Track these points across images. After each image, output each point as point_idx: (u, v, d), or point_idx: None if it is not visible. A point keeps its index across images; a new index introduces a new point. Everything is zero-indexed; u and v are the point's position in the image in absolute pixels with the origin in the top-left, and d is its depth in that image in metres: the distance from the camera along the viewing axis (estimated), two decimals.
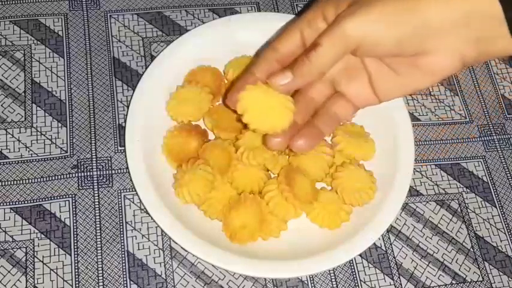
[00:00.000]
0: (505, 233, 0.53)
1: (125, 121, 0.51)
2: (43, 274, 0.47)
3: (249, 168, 0.50)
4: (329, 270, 0.50)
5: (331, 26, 0.40)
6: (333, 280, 0.49)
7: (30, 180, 0.50)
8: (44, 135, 0.52)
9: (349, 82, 0.46)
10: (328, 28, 0.40)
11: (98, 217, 0.49)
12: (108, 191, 0.51)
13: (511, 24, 0.38)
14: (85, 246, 0.48)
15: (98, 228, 0.49)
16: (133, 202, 0.50)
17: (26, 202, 0.49)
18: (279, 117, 0.42)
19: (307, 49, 0.41)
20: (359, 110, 0.48)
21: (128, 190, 0.51)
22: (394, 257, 0.51)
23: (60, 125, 0.53)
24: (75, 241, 0.48)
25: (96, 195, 0.50)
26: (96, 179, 0.51)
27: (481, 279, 0.51)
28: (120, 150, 0.52)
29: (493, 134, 0.58)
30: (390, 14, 0.39)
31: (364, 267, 0.50)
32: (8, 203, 0.49)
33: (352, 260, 0.50)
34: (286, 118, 0.42)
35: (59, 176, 0.50)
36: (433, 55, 0.40)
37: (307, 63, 0.40)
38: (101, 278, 0.47)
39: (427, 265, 0.51)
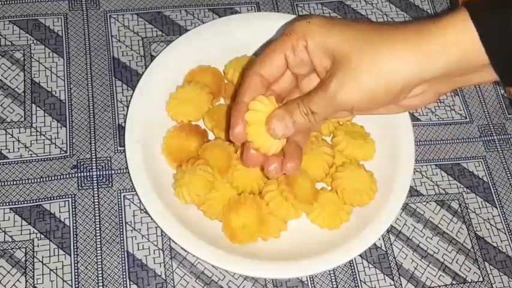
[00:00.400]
0: (505, 233, 0.53)
1: (125, 121, 0.51)
2: (43, 274, 0.47)
3: (249, 168, 0.50)
4: (329, 271, 0.50)
5: (324, 97, 0.41)
6: (333, 280, 0.49)
7: (29, 181, 0.50)
8: (43, 135, 0.52)
9: None
10: (322, 97, 0.41)
11: (98, 217, 0.49)
12: (108, 191, 0.50)
13: (498, 69, 0.39)
14: (85, 247, 0.48)
15: (98, 228, 0.49)
16: (133, 202, 0.50)
17: (25, 202, 0.49)
18: (274, 141, 0.43)
19: (304, 110, 0.42)
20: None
21: (127, 190, 0.51)
22: (395, 257, 0.51)
23: (59, 125, 0.53)
24: (75, 241, 0.48)
25: (96, 195, 0.50)
26: (95, 179, 0.51)
27: (481, 279, 0.51)
28: (120, 150, 0.52)
29: (494, 134, 0.58)
30: (375, 85, 0.40)
31: (364, 267, 0.50)
32: (7, 203, 0.49)
33: (352, 260, 0.50)
34: (280, 144, 0.43)
35: (59, 176, 0.50)
36: (415, 98, 0.43)
37: (307, 121, 0.42)
38: (101, 278, 0.47)
39: (428, 265, 0.51)
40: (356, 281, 0.50)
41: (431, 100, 0.44)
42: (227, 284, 0.48)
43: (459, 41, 0.38)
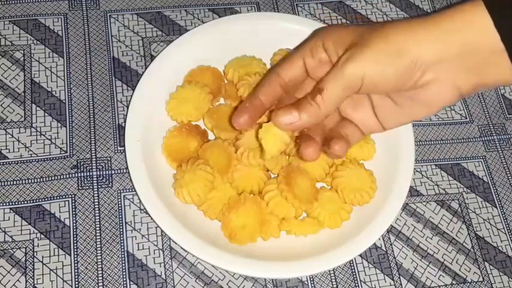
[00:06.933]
0: (505, 233, 0.53)
1: (125, 121, 0.51)
2: (43, 274, 0.47)
3: (249, 168, 0.50)
4: (329, 271, 0.50)
5: (333, 71, 0.41)
6: (333, 280, 0.49)
7: (29, 181, 0.50)
8: (43, 135, 0.52)
9: (355, 110, 0.46)
10: (331, 72, 0.42)
11: (98, 217, 0.49)
12: (108, 191, 0.50)
13: None
14: (85, 247, 0.48)
15: (98, 228, 0.49)
16: (133, 202, 0.50)
17: (25, 202, 0.49)
18: (274, 145, 0.44)
19: (312, 92, 0.42)
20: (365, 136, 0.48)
21: (127, 190, 0.51)
22: (395, 257, 0.51)
23: (59, 125, 0.53)
24: (75, 241, 0.48)
25: (96, 195, 0.50)
26: (95, 179, 0.51)
27: (481, 279, 0.51)
28: (120, 150, 0.52)
29: (494, 134, 0.58)
30: (385, 55, 0.40)
31: (364, 267, 0.50)
32: (7, 203, 0.49)
33: (352, 260, 0.50)
34: (279, 148, 0.44)
35: (59, 176, 0.50)
36: (430, 88, 0.42)
37: (314, 106, 0.42)
38: (101, 278, 0.47)
39: (428, 265, 0.51)
40: (356, 281, 0.50)
41: (452, 98, 0.42)
42: (227, 284, 0.48)
43: (474, 22, 0.38)
